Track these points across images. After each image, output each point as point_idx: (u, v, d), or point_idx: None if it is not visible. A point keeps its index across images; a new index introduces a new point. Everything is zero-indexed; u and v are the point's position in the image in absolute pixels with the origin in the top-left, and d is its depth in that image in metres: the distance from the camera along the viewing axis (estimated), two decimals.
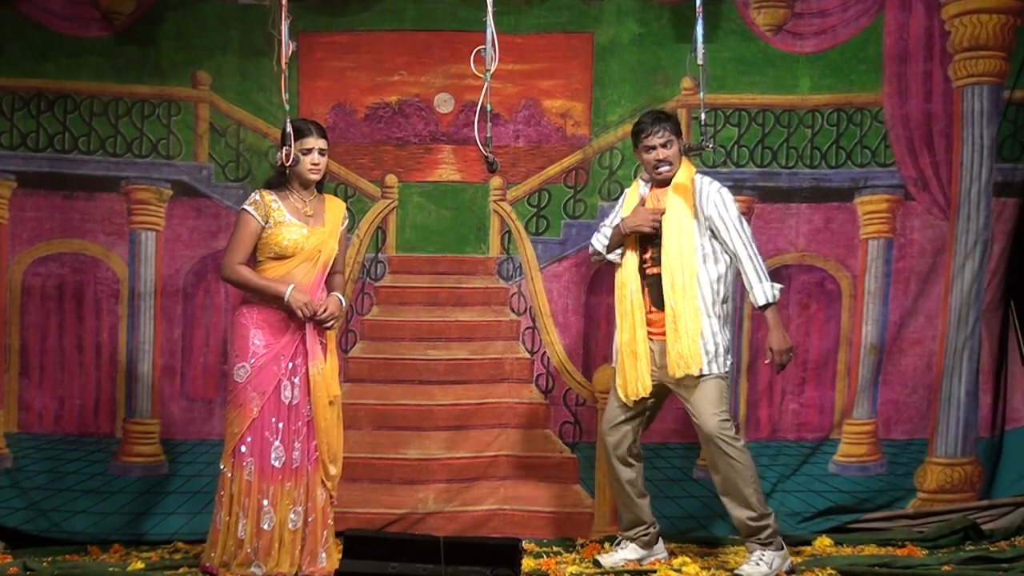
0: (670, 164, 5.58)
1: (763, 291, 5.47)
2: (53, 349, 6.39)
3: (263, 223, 5.32)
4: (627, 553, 5.74)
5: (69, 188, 6.40)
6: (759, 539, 5.50)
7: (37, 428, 6.36)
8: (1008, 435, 6.56)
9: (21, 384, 6.36)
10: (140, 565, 5.61)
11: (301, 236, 5.34)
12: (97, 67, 6.40)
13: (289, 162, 5.37)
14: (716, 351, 5.49)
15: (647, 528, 5.76)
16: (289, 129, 5.39)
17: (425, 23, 6.51)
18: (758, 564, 5.45)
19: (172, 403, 6.40)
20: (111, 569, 5.59)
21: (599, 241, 5.75)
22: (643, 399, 5.61)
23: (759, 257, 5.52)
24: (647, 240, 5.60)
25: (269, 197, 5.37)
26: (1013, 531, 6.25)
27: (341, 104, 6.53)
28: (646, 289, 5.60)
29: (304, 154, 5.37)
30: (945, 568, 5.50)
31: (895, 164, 6.52)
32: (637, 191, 5.73)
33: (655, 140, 5.57)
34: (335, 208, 5.50)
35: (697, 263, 5.48)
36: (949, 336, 6.49)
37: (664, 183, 5.62)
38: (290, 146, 5.40)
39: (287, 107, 5.42)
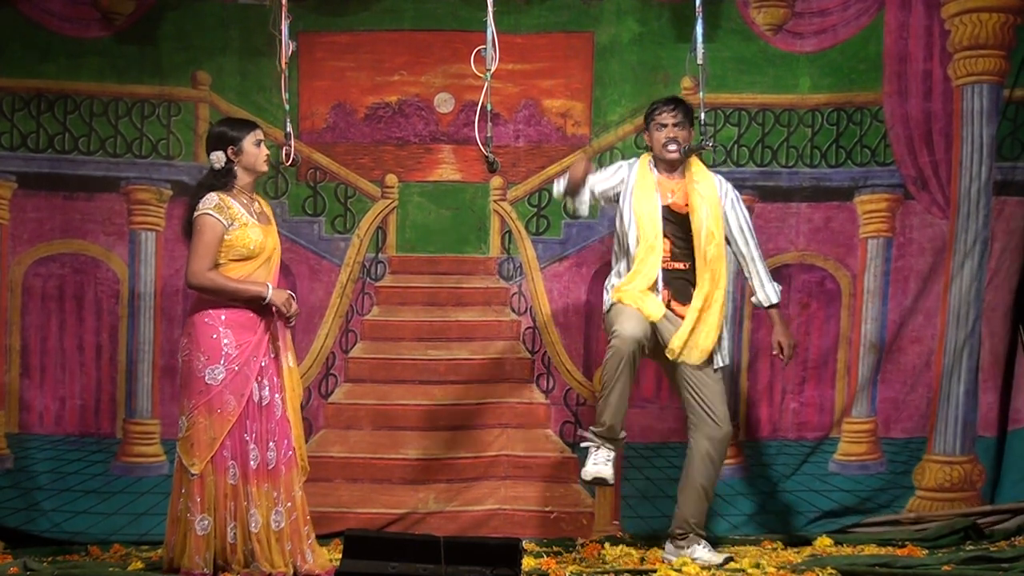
0: (679, 144, 5.59)
1: (773, 290, 5.68)
2: (54, 349, 6.39)
3: (227, 225, 5.21)
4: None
5: (69, 189, 6.40)
6: (702, 529, 5.64)
7: (38, 428, 6.36)
8: (1012, 436, 6.54)
9: (22, 384, 6.36)
10: (140, 565, 5.60)
11: (260, 236, 5.28)
12: (97, 67, 6.40)
13: (289, 162, 5.42)
14: (729, 343, 5.67)
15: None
16: (289, 128, 5.38)
17: (425, 23, 6.51)
18: (710, 550, 5.60)
19: (172, 403, 6.38)
20: (111, 569, 5.59)
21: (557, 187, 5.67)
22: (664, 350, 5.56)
23: (764, 259, 5.72)
24: (666, 232, 5.57)
25: (227, 199, 5.25)
26: (1013, 531, 6.25)
27: (341, 104, 6.53)
28: (667, 285, 5.57)
29: (256, 146, 5.30)
30: (945, 568, 5.49)
31: (895, 163, 6.52)
32: (648, 170, 5.64)
33: (668, 118, 5.59)
34: (267, 205, 5.45)
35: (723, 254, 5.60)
36: (948, 335, 6.49)
37: (671, 166, 5.62)
38: (290, 146, 5.41)
39: (287, 107, 5.43)
